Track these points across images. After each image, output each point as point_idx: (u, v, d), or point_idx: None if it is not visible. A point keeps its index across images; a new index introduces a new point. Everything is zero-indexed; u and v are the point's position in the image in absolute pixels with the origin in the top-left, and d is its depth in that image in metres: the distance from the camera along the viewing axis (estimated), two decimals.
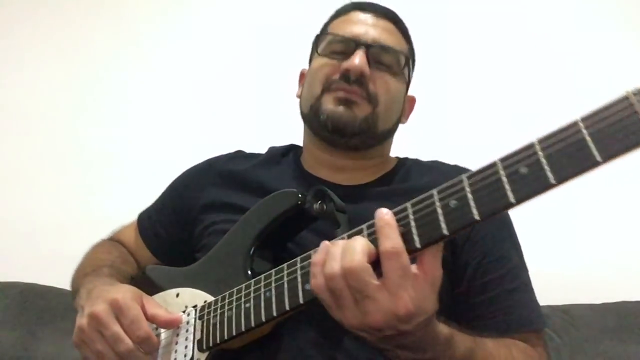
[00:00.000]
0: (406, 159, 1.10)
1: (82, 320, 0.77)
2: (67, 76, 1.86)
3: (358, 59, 0.93)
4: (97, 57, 1.87)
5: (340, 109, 0.94)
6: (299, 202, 0.79)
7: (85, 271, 0.98)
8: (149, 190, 1.65)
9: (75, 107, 1.82)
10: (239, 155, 1.14)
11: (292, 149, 1.13)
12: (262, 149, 1.16)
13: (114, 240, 1.16)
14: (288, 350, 0.76)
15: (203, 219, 1.01)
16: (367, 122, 0.96)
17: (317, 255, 0.61)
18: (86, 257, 1.08)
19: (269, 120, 1.71)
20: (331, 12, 1.08)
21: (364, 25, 0.99)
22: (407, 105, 1.10)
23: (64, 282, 1.46)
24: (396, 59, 0.99)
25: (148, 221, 1.13)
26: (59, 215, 1.69)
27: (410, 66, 1.06)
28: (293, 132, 1.13)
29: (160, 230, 1.10)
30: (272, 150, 1.13)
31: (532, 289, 0.91)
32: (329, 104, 0.96)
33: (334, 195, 0.78)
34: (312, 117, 0.99)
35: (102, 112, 1.81)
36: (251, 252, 0.79)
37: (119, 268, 1.00)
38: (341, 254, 0.58)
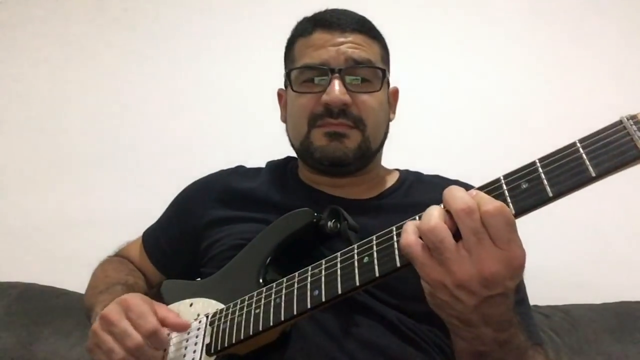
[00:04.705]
0: (408, 172, 1.10)
1: (94, 324, 0.77)
2: (68, 75, 1.84)
3: (336, 89, 0.91)
4: (99, 56, 1.86)
5: (332, 144, 0.95)
6: (314, 220, 0.82)
7: (99, 289, 0.98)
8: (148, 191, 1.66)
9: (75, 107, 1.81)
10: (239, 170, 1.15)
11: (289, 162, 1.14)
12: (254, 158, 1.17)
13: (120, 256, 1.16)
14: (294, 358, 0.77)
15: (208, 236, 1.01)
16: (361, 148, 0.96)
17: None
18: (96, 275, 1.08)
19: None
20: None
21: (332, 47, 0.95)
22: (391, 101, 1.08)
23: (64, 282, 1.47)
24: (372, 71, 0.97)
25: (153, 238, 1.14)
26: (59, 215, 1.68)
27: (387, 67, 1.05)
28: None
29: (165, 247, 1.11)
30: (272, 165, 1.13)
31: (529, 304, 0.95)
32: (319, 141, 0.96)
33: (347, 215, 0.81)
34: (304, 153, 1.00)
35: (102, 112, 1.80)
36: (266, 263, 0.82)
37: (132, 286, 1.00)
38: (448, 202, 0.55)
